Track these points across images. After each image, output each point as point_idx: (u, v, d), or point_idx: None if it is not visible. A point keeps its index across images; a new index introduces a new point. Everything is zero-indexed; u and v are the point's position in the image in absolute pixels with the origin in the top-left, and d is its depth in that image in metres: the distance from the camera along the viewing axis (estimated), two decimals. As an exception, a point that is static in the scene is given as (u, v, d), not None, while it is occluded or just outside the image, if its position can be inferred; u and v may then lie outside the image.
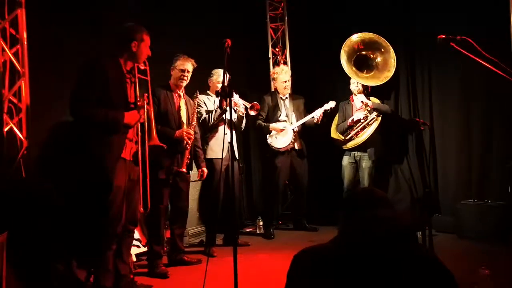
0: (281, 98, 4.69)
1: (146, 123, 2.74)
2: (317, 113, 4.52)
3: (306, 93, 5.31)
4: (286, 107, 4.67)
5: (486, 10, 4.13)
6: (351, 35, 4.57)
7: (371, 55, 4.63)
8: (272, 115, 4.63)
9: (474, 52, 2.63)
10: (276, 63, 5.66)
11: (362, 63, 4.64)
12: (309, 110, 4.67)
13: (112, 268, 2.63)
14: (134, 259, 3.49)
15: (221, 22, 4.91)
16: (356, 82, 4.56)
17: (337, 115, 4.75)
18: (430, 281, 1.18)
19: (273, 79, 4.82)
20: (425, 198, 3.52)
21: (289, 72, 4.77)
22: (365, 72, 4.62)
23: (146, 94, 2.87)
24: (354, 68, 4.55)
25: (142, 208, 2.79)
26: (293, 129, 4.56)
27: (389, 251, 1.17)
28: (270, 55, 5.69)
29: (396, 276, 1.15)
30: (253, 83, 5.30)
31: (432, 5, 4.53)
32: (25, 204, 2.58)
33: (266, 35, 5.69)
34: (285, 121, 4.62)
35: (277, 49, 5.73)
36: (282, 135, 4.55)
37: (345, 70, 4.48)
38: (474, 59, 2.62)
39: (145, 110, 2.75)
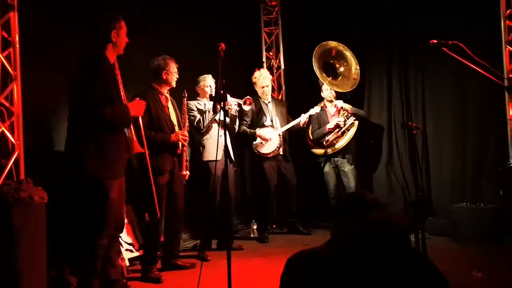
0: (264, 102, 4.67)
1: (129, 131, 2.71)
2: (302, 118, 4.54)
3: (300, 96, 5.33)
4: (270, 112, 4.66)
5: (479, 10, 4.17)
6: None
7: (336, 65, 4.74)
8: (257, 120, 4.59)
9: (466, 56, 2.65)
10: (270, 67, 5.67)
11: (328, 70, 4.71)
12: (294, 112, 4.67)
13: (100, 274, 2.61)
14: (127, 263, 3.46)
15: (216, 25, 4.91)
16: (329, 88, 4.60)
17: (311, 122, 4.76)
18: (423, 283, 1.18)
19: (254, 83, 4.71)
20: (418, 201, 3.54)
21: (269, 77, 4.71)
22: (330, 78, 4.69)
23: (137, 98, 2.87)
24: (324, 75, 4.61)
25: (148, 217, 2.82)
26: (278, 134, 4.56)
27: (382, 253, 1.17)
28: (264, 59, 5.70)
29: (389, 278, 1.15)
30: (247, 86, 5.30)
31: (426, 5, 4.58)
32: (16, 208, 2.55)
33: (260, 39, 5.71)
34: (271, 126, 4.60)
35: (271, 53, 5.75)
36: (269, 141, 4.53)
37: (318, 76, 4.53)
38: (466, 64, 2.64)
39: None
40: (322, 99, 4.77)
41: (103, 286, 2.66)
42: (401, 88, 4.86)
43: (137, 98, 2.84)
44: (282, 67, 5.69)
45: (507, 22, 3.88)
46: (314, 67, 4.50)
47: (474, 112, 4.36)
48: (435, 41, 2.73)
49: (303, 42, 5.45)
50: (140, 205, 2.91)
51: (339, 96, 4.69)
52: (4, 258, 2.47)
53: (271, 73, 5.50)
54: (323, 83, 4.65)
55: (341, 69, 4.72)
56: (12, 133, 2.94)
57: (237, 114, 4.11)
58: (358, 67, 4.59)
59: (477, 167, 4.32)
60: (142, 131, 2.82)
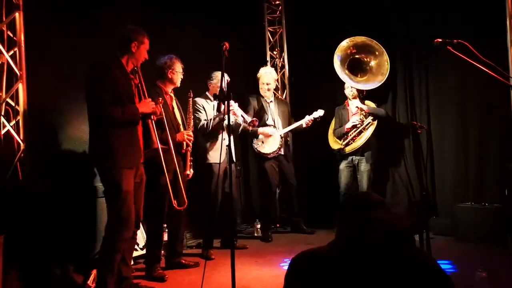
0: (266, 101, 4.66)
1: (151, 127, 2.83)
2: (305, 120, 4.53)
3: (304, 96, 5.32)
4: (271, 111, 4.65)
5: (482, 10, 4.15)
6: (348, 36, 4.58)
7: (365, 59, 4.63)
8: (258, 118, 4.50)
9: (471, 55, 2.65)
10: (274, 66, 5.67)
11: (356, 67, 4.64)
12: (306, 113, 4.67)
13: (116, 271, 2.64)
14: (132, 262, 3.48)
15: (219, 24, 4.92)
16: (351, 86, 4.57)
17: (333, 120, 4.76)
18: (427, 283, 1.18)
19: (258, 78, 4.70)
20: (422, 201, 3.53)
21: (274, 76, 4.69)
22: (359, 76, 4.63)
23: (160, 99, 2.94)
24: (347, 72, 4.55)
25: (177, 205, 3.04)
26: (280, 135, 4.56)
27: (386, 254, 1.17)
28: (268, 58, 5.70)
29: (393, 279, 1.15)
30: (251, 85, 5.31)
31: (428, 5, 4.57)
32: (22, 207, 2.57)
33: (264, 38, 5.71)
34: (273, 125, 4.60)
35: (275, 52, 5.75)
36: (270, 141, 4.53)
37: (339, 75, 4.48)
38: (470, 63, 2.63)
39: (162, 109, 2.93)
40: (344, 97, 4.71)
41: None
42: (405, 88, 4.84)
43: (160, 99, 2.98)
44: (286, 66, 5.69)
45: (512, 21, 3.86)
46: (334, 65, 4.44)
47: (477, 112, 4.33)
48: (440, 40, 2.72)
49: (307, 41, 5.45)
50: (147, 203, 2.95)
51: (368, 92, 4.61)
52: (9, 257, 2.48)
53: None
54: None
55: (372, 63, 4.60)
56: (18, 132, 2.96)
57: (241, 123, 4.14)
58: (388, 61, 4.48)
59: (481, 167, 4.30)
60: (154, 128, 2.91)
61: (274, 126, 4.60)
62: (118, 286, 2.72)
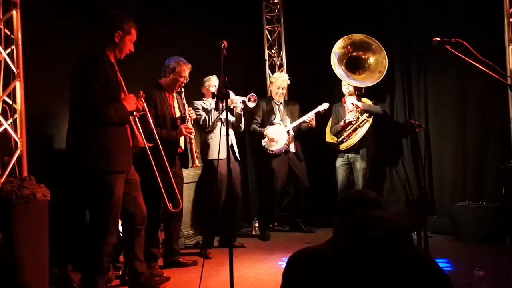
0: (276, 103, 4.71)
1: (134, 125, 2.71)
2: (310, 115, 4.53)
3: (303, 94, 5.32)
4: (280, 112, 4.69)
5: (481, 9, 4.15)
6: (347, 35, 4.56)
7: (364, 56, 4.63)
8: (267, 118, 4.65)
9: (469, 54, 2.65)
10: (272, 65, 5.67)
11: (355, 65, 4.64)
12: (305, 113, 4.67)
13: (105, 272, 2.64)
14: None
15: (218, 23, 4.91)
16: (347, 84, 4.57)
17: (331, 117, 4.76)
18: (425, 282, 1.18)
19: (271, 82, 4.86)
20: (420, 199, 3.54)
21: (286, 81, 4.73)
22: (357, 74, 4.63)
23: (141, 92, 2.84)
24: (344, 68, 4.55)
25: (172, 208, 2.96)
26: (287, 131, 4.56)
27: (383, 252, 1.17)
28: (266, 57, 5.70)
29: (391, 277, 1.15)
30: (249, 84, 5.31)
31: (428, 4, 4.58)
32: (18, 206, 2.56)
33: (262, 37, 5.70)
34: (280, 124, 4.63)
35: (273, 51, 5.74)
36: (276, 138, 4.53)
37: (335, 71, 4.49)
38: (469, 62, 2.64)
39: (143, 103, 2.79)
40: (342, 95, 4.70)
41: (130, 279, 2.78)
42: (404, 87, 4.85)
43: (141, 92, 2.83)
44: (285, 65, 5.68)
45: (510, 20, 3.86)
46: (331, 62, 4.45)
47: (476, 111, 4.34)
48: (438, 39, 2.73)
49: (306, 40, 5.44)
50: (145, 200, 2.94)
51: (367, 90, 4.60)
52: (6, 256, 2.48)
53: (273, 72, 5.52)
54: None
55: (370, 60, 4.58)
56: (15, 131, 2.94)
57: (242, 112, 4.12)
58: (386, 58, 4.47)
59: (479, 165, 4.31)
60: (139, 126, 2.79)
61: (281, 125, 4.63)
62: (135, 281, 2.76)
